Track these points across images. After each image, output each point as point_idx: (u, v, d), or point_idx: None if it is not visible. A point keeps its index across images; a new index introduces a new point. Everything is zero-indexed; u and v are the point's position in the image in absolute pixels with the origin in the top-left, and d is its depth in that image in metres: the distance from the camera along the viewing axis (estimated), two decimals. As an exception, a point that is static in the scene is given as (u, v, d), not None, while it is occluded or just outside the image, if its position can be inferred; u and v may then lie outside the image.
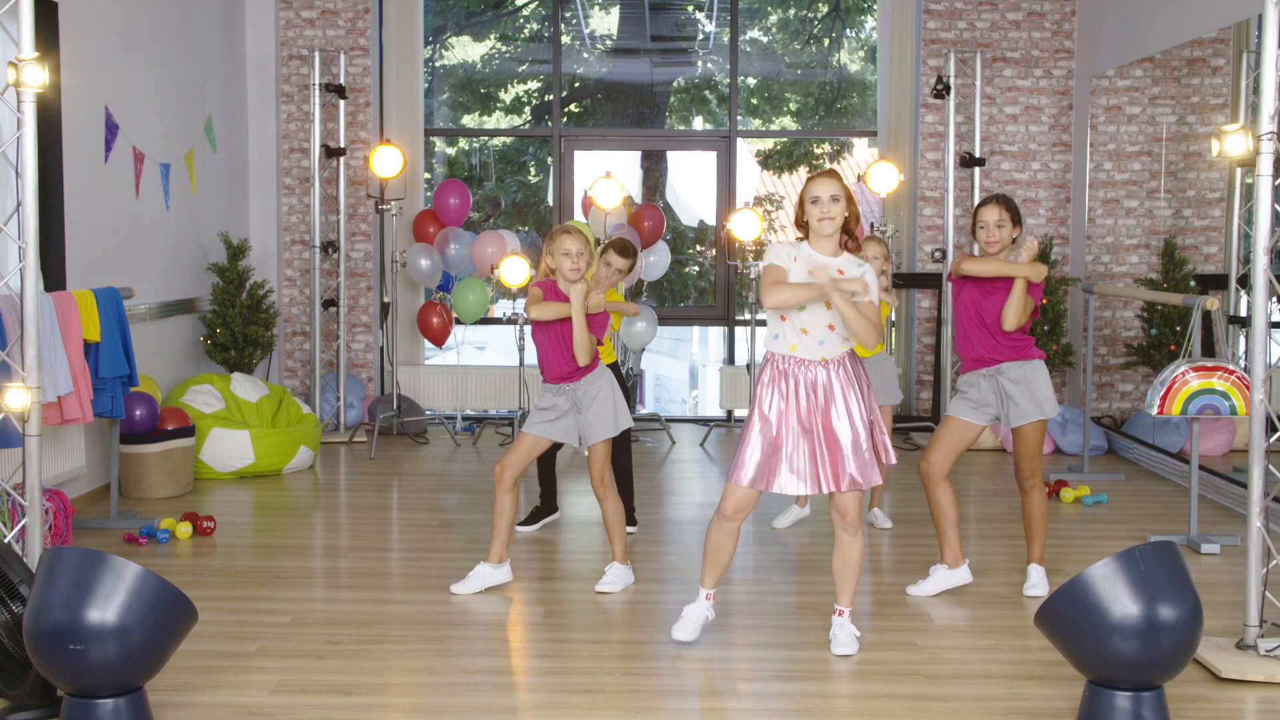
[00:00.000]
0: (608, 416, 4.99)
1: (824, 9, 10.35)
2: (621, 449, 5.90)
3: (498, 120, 10.67)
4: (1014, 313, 4.80)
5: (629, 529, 6.01)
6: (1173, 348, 7.76)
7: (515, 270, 7.96)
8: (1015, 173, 9.11)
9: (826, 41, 10.45)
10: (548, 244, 4.95)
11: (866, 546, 4.35)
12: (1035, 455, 4.92)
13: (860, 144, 10.85)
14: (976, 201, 8.75)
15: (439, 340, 9.06)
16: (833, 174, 4.21)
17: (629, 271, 5.88)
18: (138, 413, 6.44)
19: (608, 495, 5.08)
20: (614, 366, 5.99)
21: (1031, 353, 4.90)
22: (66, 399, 5.42)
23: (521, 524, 6.04)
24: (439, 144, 10.40)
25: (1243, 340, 6.82)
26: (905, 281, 9.00)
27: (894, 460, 4.27)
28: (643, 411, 10.10)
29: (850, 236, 4.21)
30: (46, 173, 5.91)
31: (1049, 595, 3.58)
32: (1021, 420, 4.84)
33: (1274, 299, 4.47)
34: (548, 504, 6.15)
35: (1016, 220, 4.94)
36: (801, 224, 4.22)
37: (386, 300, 8.94)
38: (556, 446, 5.66)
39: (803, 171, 10.95)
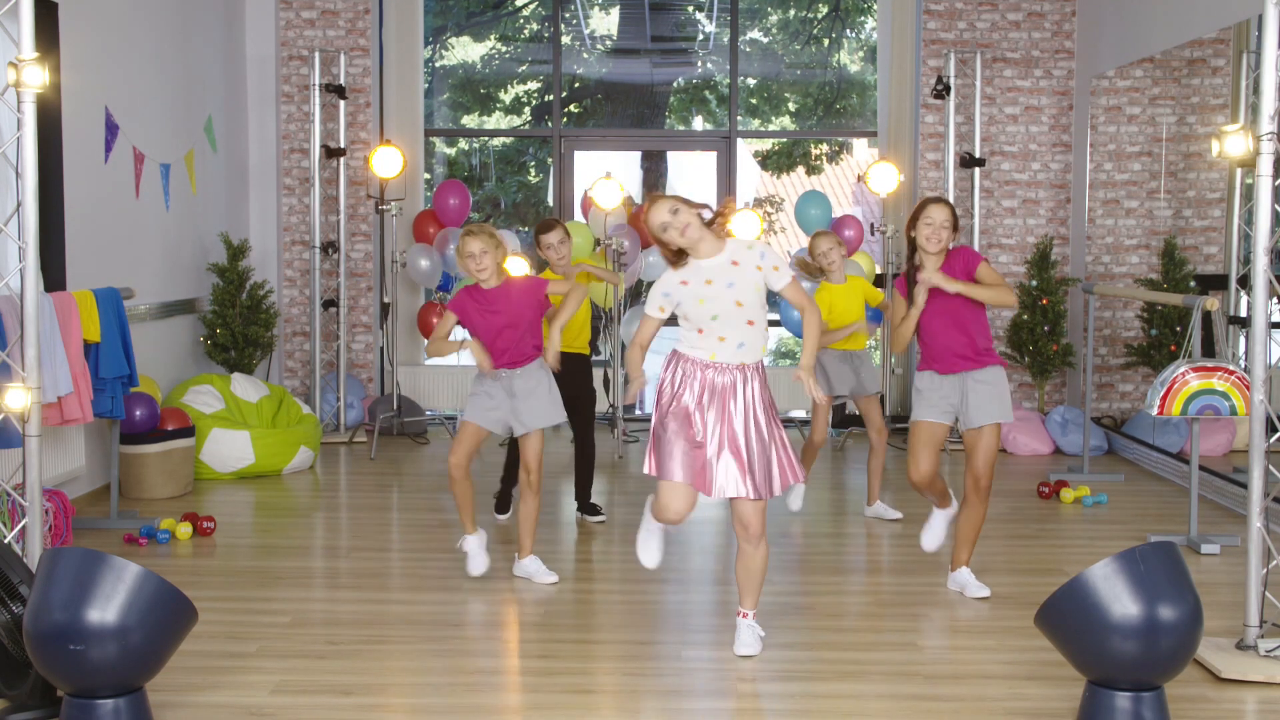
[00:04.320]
0: (545, 405, 5.06)
1: (824, 9, 10.35)
2: (586, 436, 6.17)
3: (498, 120, 10.67)
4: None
5: (599, 518, 6.24)
6: (1173, 348, 7.76)
7: (515, 270, 7.95)
8: (1015, 173, 9.12)
9: (826, 42, 10.45)
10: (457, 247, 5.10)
11: (769, 553, 4.33)
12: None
13: (860, 144, 10.85)
14: (976, 202, 8.77)
15: (439, 340, 9.05)
16: (659, 198, 4.19)
17: (568, 240, 6.07)
18: (138, 413, 6.44)
19: (537, 493, 5.14)
20: (584, 359, 6.13)
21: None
22: (66, 399, 5.42)
23: (498, 512, 6.27)
24: (439, 144, 10.41)
25: (1243, 340, 6.82)
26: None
27: (801, 479, 4.21)
28: (643, 411, 10.09)
29: (719, 221, 4.20)
30: (46, 173, 5.91)
31: (1050, 596, 3.57)
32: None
33: (1274, 299, 4.47)
34: (508, 489, 6.29)
35: (956, 226, 4.92)
36: (674, 255, 4.18)
37: (386, 300, 8.93)
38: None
39: (800, 172, 10.96)
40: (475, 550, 5.16)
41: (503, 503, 6.28)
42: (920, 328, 4.95)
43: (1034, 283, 8.70)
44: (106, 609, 3.34)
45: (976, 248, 8.74)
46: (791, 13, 10.40)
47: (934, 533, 5.26)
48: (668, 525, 4.29)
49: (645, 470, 4.20)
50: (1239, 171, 6.99)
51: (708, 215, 4.20)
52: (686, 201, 4.16)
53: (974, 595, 4.95)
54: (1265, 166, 4.00)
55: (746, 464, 4.10)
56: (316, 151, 8.64)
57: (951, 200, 8.69)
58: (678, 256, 4.17)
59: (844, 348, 6.33)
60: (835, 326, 6.32)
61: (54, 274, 6.09)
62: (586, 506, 6.26)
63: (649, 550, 4.42)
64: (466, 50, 10.54)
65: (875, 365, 6.49)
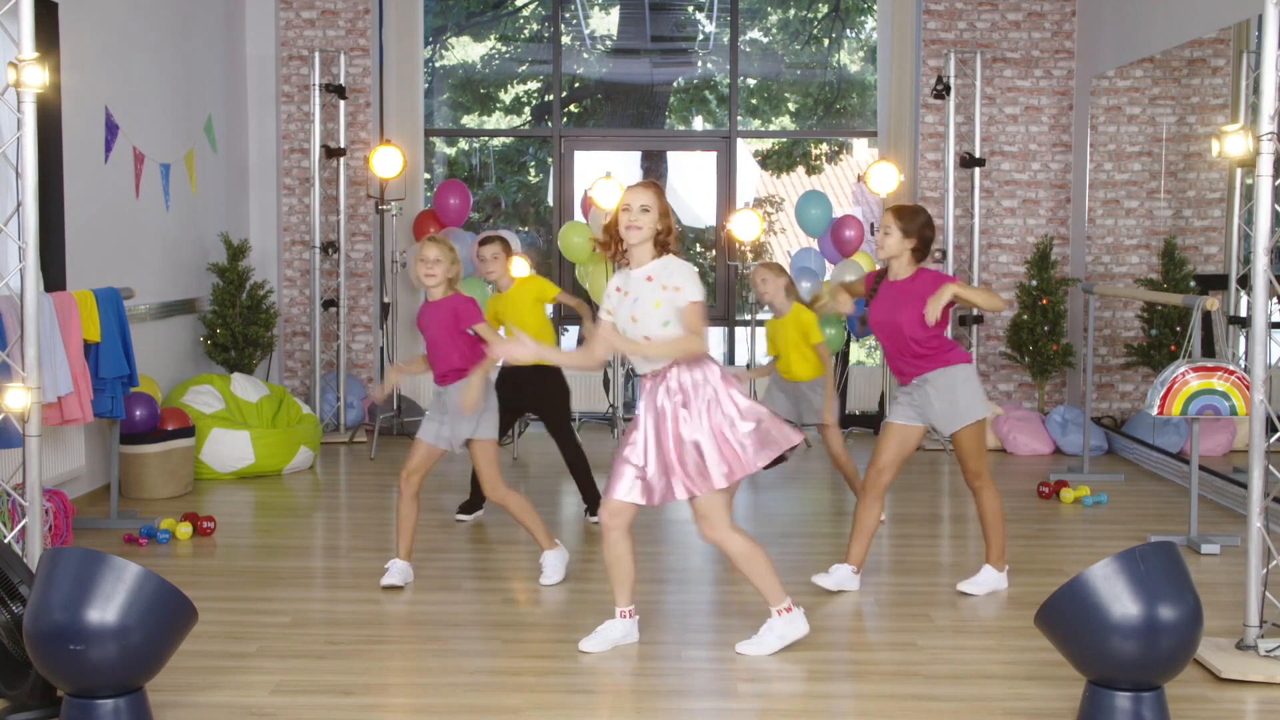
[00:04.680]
0: (468, 421, 5.01)
1: (824, 9, 10.35)
2: (563, 439, 6.17)
3: (498, 120, 10.67)
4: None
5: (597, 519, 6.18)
6: (1173, 348, 7.76)
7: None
8: (1015, 173, 9.12)
9: (826, 42, 10.45)
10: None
11: (749, 543, 4.23)
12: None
13: (860, 144, 10.85)
14: (976, 202, 8.77)
15: (439, 340, 9.05)
16: (650, 185, 4.20)
17: (501, 257, 6.16)
18: (138, 413, 6.44)
19: (505, 497, 5.11)
20: (541, 368, 6.03)
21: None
22: (66, 399, 5.42)
23: (459, 512, 6.28)
24: (439, 144, 10.41)
25: (1243, 340, 6.82)
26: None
27: (715, 485, 4.10)
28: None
29: (663, 249, 4.18)
30: (46, 173, 5.91)
31: (1050, 596, 3.57)
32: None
33: (1274, 299, 4.47)
34: (475, 499, 6.29)
35: (908, 233, 4.81)
36: (612, 227, 4.19)
37: (386, 300, 8.94)
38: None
39: (801, 171, 10.97)
40: (396, 570, 5.10)
41: (464, 507, 6.30)
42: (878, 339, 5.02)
43: (1034, 283, 8.70)
44: (106, 609, 3.34)
45: (976, 248, 8.73)
46: (791, 13, 10.40)
47: (837, 578, 5.07)
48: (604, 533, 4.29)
49: None
50: (1239, 171, 6.99)
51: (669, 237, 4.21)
52: (664, 214, 4.15)
53: (960, 587, 5.00)
54: (1265, 166, 4.00)
55: (657, 467, 4.13)
56: (316, 151, 8.64)
57: (952, 200, 8.69)
58: (610, 235, 4.20)
59: (790, 377, 6.15)
60: (785, 367, 6.12)
61: (54, 274, 6.09)
62: (595, 508, 6.22)
63: (592, 641, 4.33)
64: (466, 50, 10.54)
65: (819, 395, 6.13)
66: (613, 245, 4.22)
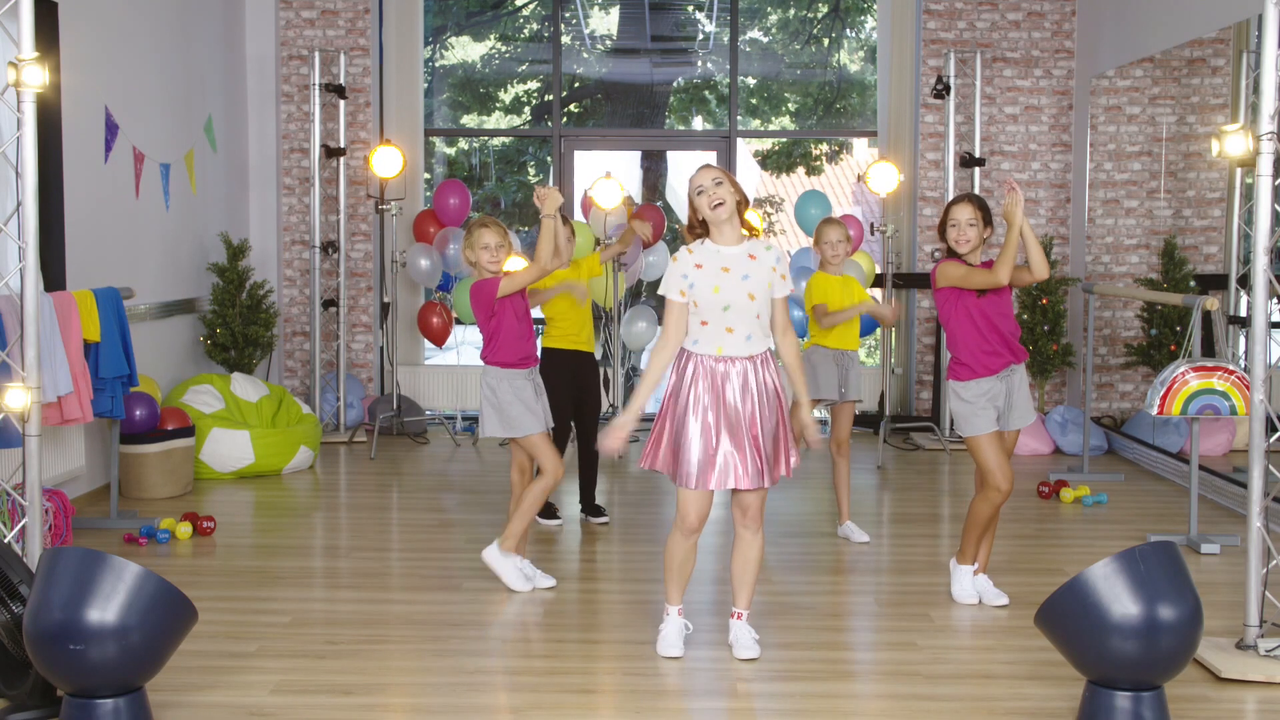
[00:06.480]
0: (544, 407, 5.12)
1: (824, 9, 10.35)
2: (592, 437, 6.08)
3: (497, 120, 10.68)
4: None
5: (603, 520, 6.23)
6: (1173, 348, 7.76)
7: (515, 269, 7.95)
8: (1015, 173, 9.11)
9: (826, 41, 10.45)
10: (466, 239, 5.00)
11: (764, 547, 4.29)
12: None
13: (860, 144, 10.85)
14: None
15: (439, 340, 9.07)
16: (708, 165, 4.21)
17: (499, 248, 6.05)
18: (138, 413, 6.44)
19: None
20: (590, 357, 6.10)
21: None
22: (66, 399, 5.42)
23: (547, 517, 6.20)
24: (439, 144, 10.41)
25: (1243, 340, 6.82)
26: (905, 281, 9.00)
27: (790, 470, 4.20)
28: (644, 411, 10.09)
29: (744, 224, 4.19)
30: (46, 173, 5.91)
31: (1050, 595, 3.57)
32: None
33: (1274, 299, 4.47)
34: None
35: (988, 220, 4.86)
36: (698, 223, 4.17)
37: (386, 300, 8.94)
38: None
39: (801, 172, 10.97)
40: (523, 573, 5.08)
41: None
42: (956, 338, 4.76)
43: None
44: (106, 609, 3.34)
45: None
46: (791, 12, 10.40)
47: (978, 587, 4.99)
48: (688, 535, 4.21)
49: (646, 465, 4.18)
50: (1239, 171, 6.99)
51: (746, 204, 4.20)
52: (734, 182, 4.17)
53: (993, 603, 4.86)
54: (1265, 166, 4.00)
55: (750, 453, 4.06)
56: (316, 151, 8.64)
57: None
58: (700, 226, 4.16)
59: (838, 345, 5.86)
60: (840, 334, 5.86)
61: (54, 274, 6.09)
62: (591, 508, 6.23)
63: (668, 643, 4.29)
64: (466, 50, 10.55)
65: (860, 369, 6.05)
66: (700, 229, 4.18)
